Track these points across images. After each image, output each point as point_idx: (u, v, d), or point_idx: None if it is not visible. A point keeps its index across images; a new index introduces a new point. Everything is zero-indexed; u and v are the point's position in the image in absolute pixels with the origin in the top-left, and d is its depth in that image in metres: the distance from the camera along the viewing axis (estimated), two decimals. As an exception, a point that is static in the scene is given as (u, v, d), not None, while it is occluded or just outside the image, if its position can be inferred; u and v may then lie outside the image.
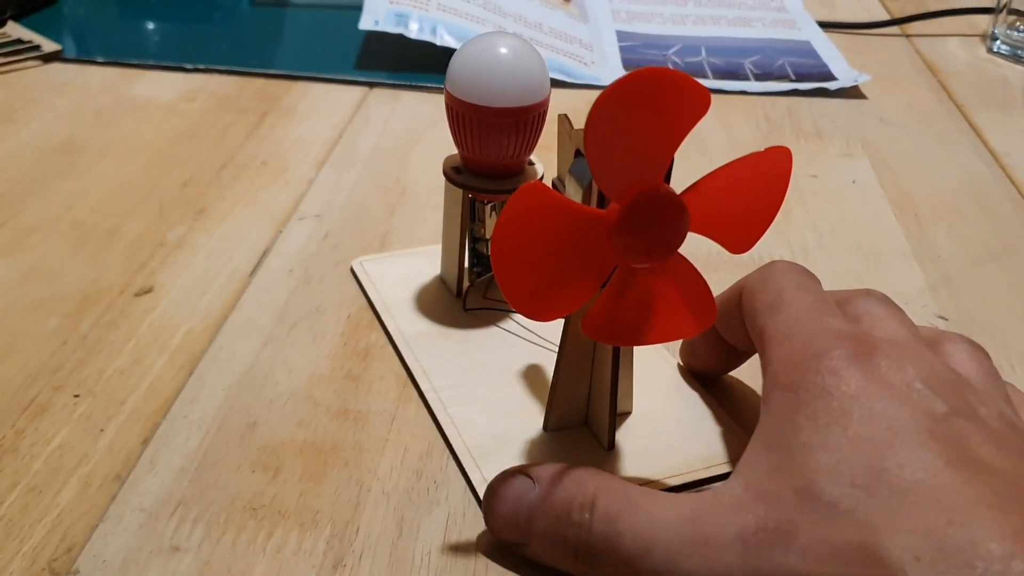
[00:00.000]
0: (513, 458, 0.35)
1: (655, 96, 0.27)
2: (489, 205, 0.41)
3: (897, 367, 0.28)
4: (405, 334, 0.40)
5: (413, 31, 0.65)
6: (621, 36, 0.75)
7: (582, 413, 0.36)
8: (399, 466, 0.35)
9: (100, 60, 0.66)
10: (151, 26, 0.74)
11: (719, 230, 0.31)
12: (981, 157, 0.60)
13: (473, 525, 0.33)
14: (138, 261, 0.45)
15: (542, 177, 0.40)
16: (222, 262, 0.46)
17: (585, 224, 0.28)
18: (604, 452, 0.35)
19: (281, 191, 0.52)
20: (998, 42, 0.77)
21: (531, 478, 0.31)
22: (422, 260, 0.45)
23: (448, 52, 0.65)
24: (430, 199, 0.51)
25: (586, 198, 0.31)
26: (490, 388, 0.38)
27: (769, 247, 0.49)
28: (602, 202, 0.30)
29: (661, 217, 0.28)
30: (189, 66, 0.66)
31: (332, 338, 0.41)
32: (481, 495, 0.32)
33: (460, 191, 0.40)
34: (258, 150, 0.56)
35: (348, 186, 0.53)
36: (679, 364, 0.40)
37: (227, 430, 0.36)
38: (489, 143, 0.38)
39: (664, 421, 0.37)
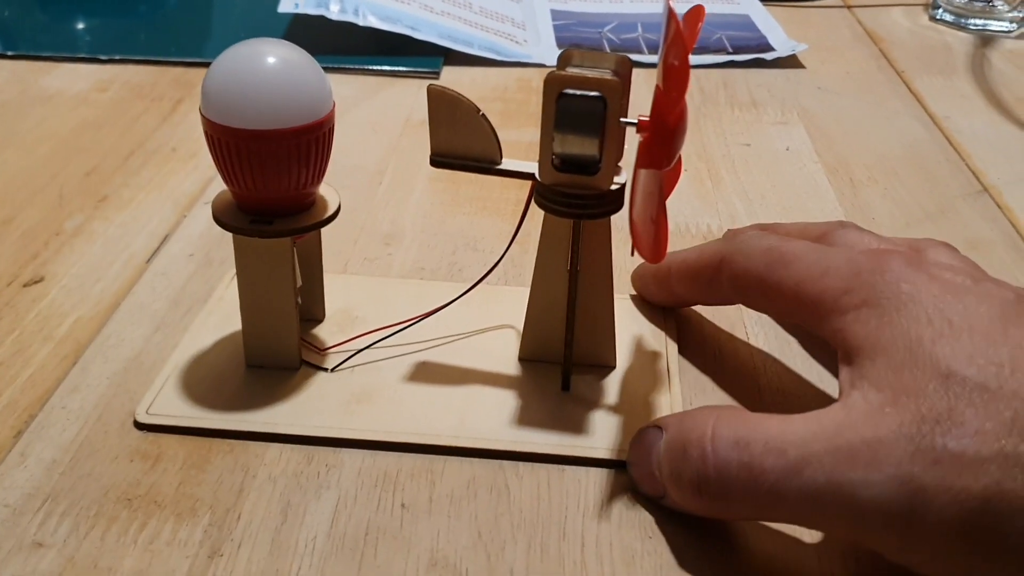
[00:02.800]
0: (579, 421, 0.34)
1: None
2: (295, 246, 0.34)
3: (945, 268, 0.29)
4: (325, 428, 0.33)
5: (334, 12, 0.63)
6: (555, 15, 0.73)
7: (552, 346, 0.35)
8: (288, 450, 0.32)
9: (10, 54, 0.64)
10: (73, 20, 0.72)
11: None
12: (920, 121, 0.59)
13: (365, 507, 0.30)
14: (30, 251, 0.43)
15: (340, 204, 0.34)
16: (119, 249, 0.43)
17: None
18: (610, 370, 0.36)
19: (189, 176, 0.50)
20: (940, 10, 0.76)
21: (660, 427, 0.31)
22: (199, 359, 0.36)
23: (373, 33, 0.63)
24: (342, 179, 0.49)
25: (603, 137, 0.30)
26: (459, 402, 0.34)
27: (696, 214, 0.47)
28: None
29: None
30: (104, 57, 0.63)
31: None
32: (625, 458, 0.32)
33: (284, 242, 0.33)
34: (169, 137, 0.54)
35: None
36: (632, 295, 0.41)
37: (107, 419, 0.34)
38: (276, 175, 0.31)
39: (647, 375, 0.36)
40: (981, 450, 0.24)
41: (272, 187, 0.32)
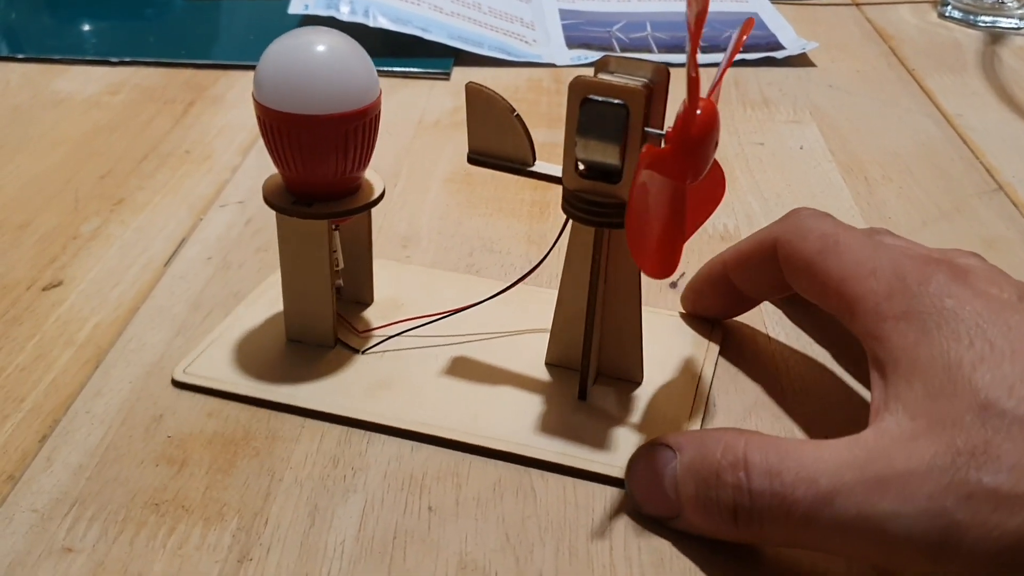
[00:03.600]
0: (590, 432, 0.33)
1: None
2: (336, 230, 0.36)
3: (991, 282, 0.28)
4: (344, 407, 0.34)
5: (344, 13, 0.63)
6: (564, 14, 0.73)
7: (578, 354, 0.35)
8: (314, 453, 0.32)
9: (21, 57, 0.64)
10: (81, 24, 0.72)
11: None
12: (932, 119, 0.59)
13: (392, 510, 0.30)
14: (48, 255, 0.43)
15: (383, 192, 0.35)
16: (137, 252, 0.43)
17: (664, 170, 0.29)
18: (636, 385, 0.35)
19: (203, 179, 0.50)
20: (949, 7, 0.76)
21: (671, 447, 0.30)
22: (244, 330, 0.37)
23: (383, 34, 0.63)
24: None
25: (625, 145, 0.30)
26: (477, 399, 0.35)
27: (713, 215, 0.47)
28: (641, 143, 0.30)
29: (717, 125, 0.29)
30: (114, 59, 0.63)
31: (250, 325, 0.39)
32: (623, 474, 0.31)
33: (320, 224, 0.34)
34: (182, 139, 0.54)
35: (273, 170, 0.50)
36: (680, 313, 0.40)
37: (131, 423, 0.34)
38: (320, 159, 0.32)
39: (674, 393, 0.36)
40: (1017, 486, 0.24)
41: (317, 170, 0.33)
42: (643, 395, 0.35)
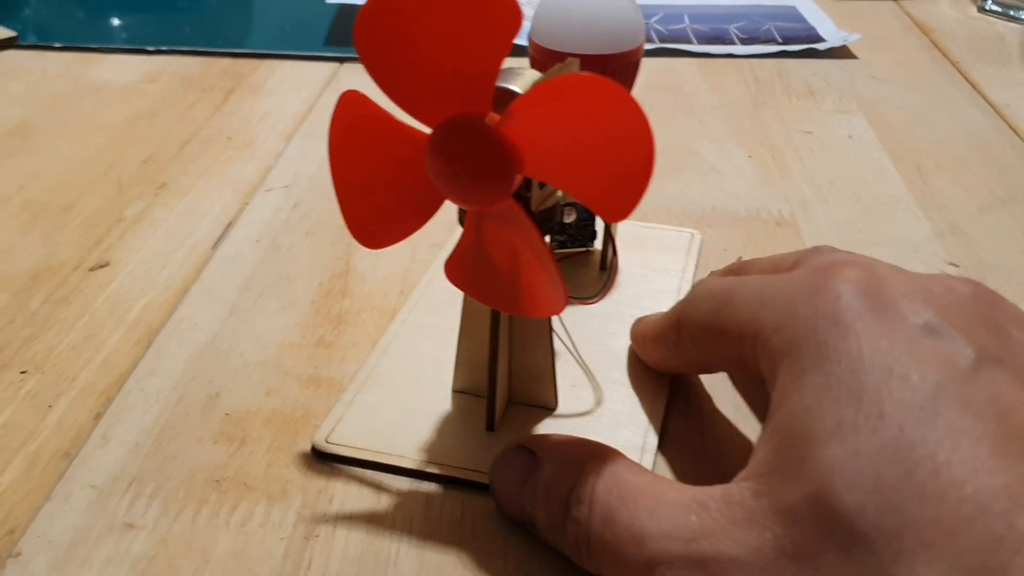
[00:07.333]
0: (400, 406, 0.32)
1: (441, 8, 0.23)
2: None
3: (905, 297, 0.23)
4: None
5: (384, 3, 0.62)
6: (601, 7, 0.72)
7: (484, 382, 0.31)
8: (376, 432, 0.32)
9: (58, 46, 0.63)
10: (115, 13, 0.71)
11: (577, 186, 0.24)
12: (980, 109, 0.58)
13: (460, 486, 0.30)
14: (94, 237, 0.42)
15: None
16: (184, 235, 0.43)
17: (408, 143, 0.25)
18: (485, 434, 0.31)
19: (247, 164, 0.49)
20: (989, 1, 0.75)
21: (535, 453, 0.27)
22: None
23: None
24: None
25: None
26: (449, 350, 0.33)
27: (766, 201, 0.46)
28: None
29: (469, 146, 0.24)
30: (151, 48, 0.63)
31: (302, 306, 0.38)
32: (335, 419, 0.31)
33: None
34: (224, 126, 0.53)
35: (319, 157, 0.50)
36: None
37: (187, 402, 0.33)
38: None
39: (588, 422, 0.32)
40: None
41: None
42: (559, 423, 0.32)
